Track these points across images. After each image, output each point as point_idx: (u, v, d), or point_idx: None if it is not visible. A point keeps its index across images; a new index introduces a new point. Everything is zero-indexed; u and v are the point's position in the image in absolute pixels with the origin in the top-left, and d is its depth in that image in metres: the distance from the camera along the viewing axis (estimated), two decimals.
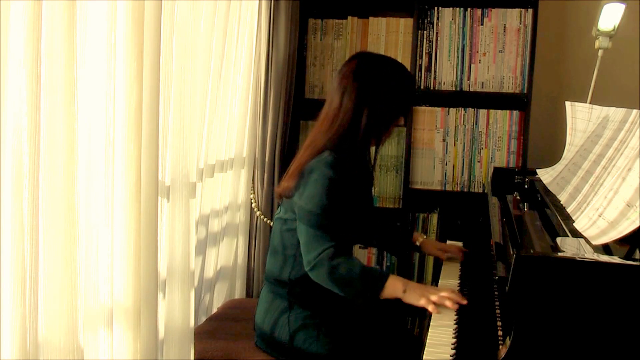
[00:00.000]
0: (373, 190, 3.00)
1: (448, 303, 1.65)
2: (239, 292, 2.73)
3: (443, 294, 1.68)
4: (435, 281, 2.02)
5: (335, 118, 1.87)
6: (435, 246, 2.19)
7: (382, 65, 1.92)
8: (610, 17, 2.57)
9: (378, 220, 2.20)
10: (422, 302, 1.68)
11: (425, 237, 2.21)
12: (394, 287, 1.73)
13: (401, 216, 2.99)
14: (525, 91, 2.87)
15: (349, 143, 1.86)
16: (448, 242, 2.38)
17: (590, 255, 1.28)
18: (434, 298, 1.67)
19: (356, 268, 1.75)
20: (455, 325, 1.58)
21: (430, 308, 1.66)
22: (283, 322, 1.86)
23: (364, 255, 3.00)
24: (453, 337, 1.52)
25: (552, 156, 2.49)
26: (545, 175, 2.15)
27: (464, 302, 1.66)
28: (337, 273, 1.74)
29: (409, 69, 2.91)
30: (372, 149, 2.02)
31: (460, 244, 2.35)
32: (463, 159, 2.94)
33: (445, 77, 2.93)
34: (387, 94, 1.88)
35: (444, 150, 2.95)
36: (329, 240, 1.75)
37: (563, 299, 1.21)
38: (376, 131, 1.90)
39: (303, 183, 1.82)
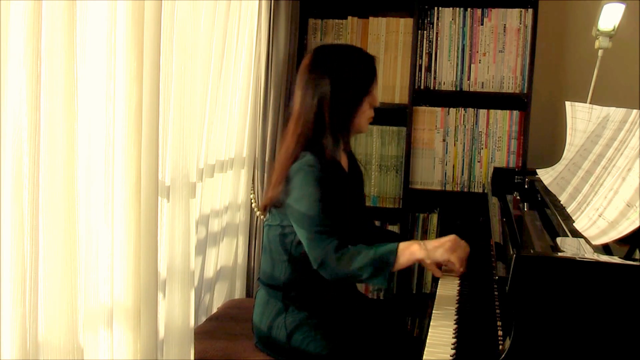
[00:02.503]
0: (372, 192, 3.01)
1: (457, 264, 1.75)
2: (239, 292, 2.73)
3: (466, 249, 1.77)
4: (435, 281, 2.02)
5: (300, 114, 1.86)
6: None
7: (334, 53, 1.91)
8: (610, 17, 2.57)
9: (369, 224, 2.19)
10: (444, 255, 1.75)
11: None
12: (410, 252, 1.73)
13: (401, 216, 2.99)
14: (525, 91, 2.87)
15: (321, 137, 1.84)
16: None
17: (590, 255, 1.28)
18: (459, 252, 1.76)
19: (362, 251, 1.73)
20: (455, 325, 1.58)
21: (457, 264, 1.75)
22: (279, 323, 1.86)
23: None
24: (453, 337, 1.52)
25: (552, 156, 2.49)
26: (545, 175, 2.15)
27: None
28: (345, 262, 1.72)
29: (408, 69, 2.93)
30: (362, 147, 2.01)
31: None
32: (463, 159, 2.94)
33: (445, 77, 2.93)
34: (343, 75, 1.84)
35: (444, 150, 2.95)
36: (330, 235, 1.75)
37: (563, 299, 1.21)
38: (343, 118, 1.85)
39: (291, 187, 1.81)
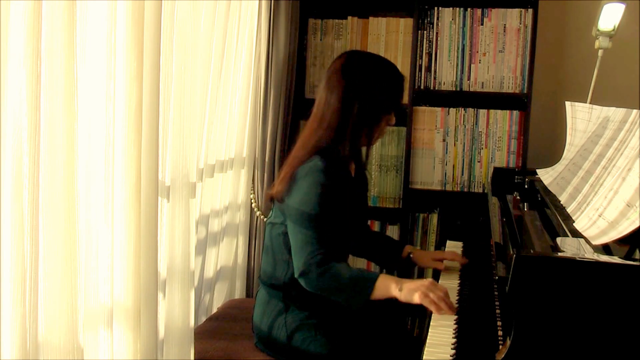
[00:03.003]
0: (373, 192, 3.01)
1: (443, 305, 1.63)
2: (239, 292, 2.73)
3: (440, 294, 1.66)
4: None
5: (323, 116, 1.86)
6: (429, 256, 2.09)
7: (369, 62, 1.91)
8: (610, 17, 2.57)
9: (367, 229, 2.19)
10: (417, 299, 1.66)
11: (417, 249, 2.11)
12: (386, 287, 1.71)
13: (401, 216, 2.99)
14: (525, 91, 2.87)
15: (339, 142, 1.84)
16: (448, 242, 2.38)
17: (590, 255, 1.28)
18: (432, 296, 1.65)
19: (344, 272, 1.74)
20: (455, 325, 1.58)
21: (432, 308, 1.64)
22: (280, 323, 1.86)
23: (363, 260, 2.98)
24: (453, 337, 1.52)
25: (552, 156, 2.49)
26: (545, 175, 2.15)
27: (454, 310, 1.64)
28: (325, 279, 1.73)
29: (408, 69, 2.93)
30: (364, 150, 2.00)
31: (460, 244, 2.35)
32: (463, 159, 2.94)
33: (445, 77, 2.93)
34: (373, 90, 1.85)
35: (444, 150, 2.95)
36: (319, 246, 1.74)
37: (563, 299, 1.21)
38: (364, 128, 1.87)
39: (295, 188, 1.81)
